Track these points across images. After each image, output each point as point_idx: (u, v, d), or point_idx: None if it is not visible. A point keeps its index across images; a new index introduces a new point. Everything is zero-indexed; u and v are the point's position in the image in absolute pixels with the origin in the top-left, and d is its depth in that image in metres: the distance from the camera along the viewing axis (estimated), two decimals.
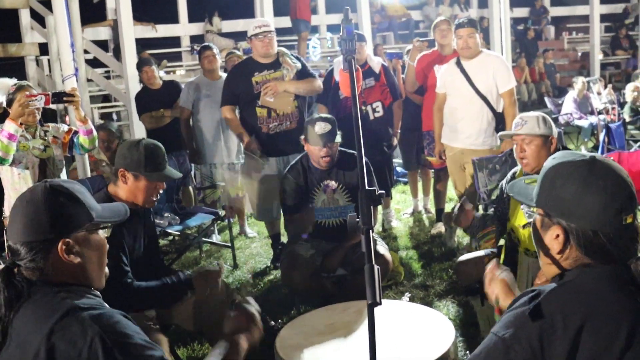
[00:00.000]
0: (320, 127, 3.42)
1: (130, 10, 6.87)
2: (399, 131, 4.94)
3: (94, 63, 8.62)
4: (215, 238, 5.23)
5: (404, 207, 5.88)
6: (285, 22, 9.92)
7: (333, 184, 3.54)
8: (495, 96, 4.21)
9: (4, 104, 3.51)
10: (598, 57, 12.62)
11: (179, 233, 4.62)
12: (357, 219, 1.27)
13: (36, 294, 1.37)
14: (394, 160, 5.41)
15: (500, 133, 3.14)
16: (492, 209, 3.05)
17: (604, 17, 13.69)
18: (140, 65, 5.40)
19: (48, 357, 1.28)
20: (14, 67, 7.76)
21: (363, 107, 4.64)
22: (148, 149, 2.50)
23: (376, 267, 1.16)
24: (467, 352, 2.92)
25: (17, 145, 3.29)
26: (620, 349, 1.20)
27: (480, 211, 4.30)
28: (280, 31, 7.60)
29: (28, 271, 1.39)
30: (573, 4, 14.80)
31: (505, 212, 2.83)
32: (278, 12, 8.92)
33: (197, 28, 11.42)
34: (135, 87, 6.14)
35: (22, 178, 3.39)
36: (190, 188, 5.33)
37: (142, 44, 9.27)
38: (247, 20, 7.77)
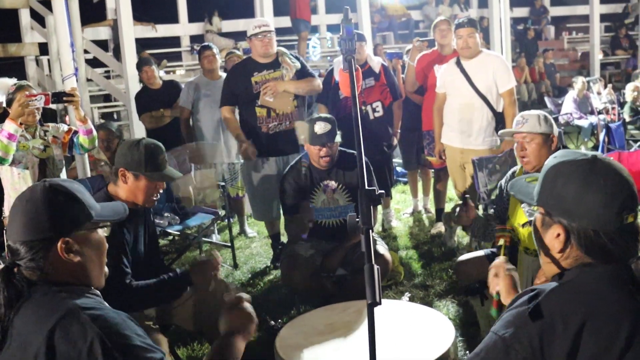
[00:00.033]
0: (320, 127, 3.42)
1: (130, 10, 6.87)
2: (399, 131, 4.94)
3: (94, 63, 8.62)
4: (215, 238, 5.23)
5: (403, 207, 5.88)
6: (285, 21, 9.92)
7: (333, 184, 3.54)
8: (495, 96, 4.21)
9: (4, 104, 3.51)
10: (598, 56, 12.62)
11: (178, 233, 4.62)
12: (357, 219, 1.27)
13: (36, 293, 1.37)
14: (393, 160, 5.41)
15: (501, 131, 3.14)
16: (492, 209, 3.05)
17: (603, 17, 13.69)
18: (140, 65, 5.40)
19: (48, 357, 1.28)
20: (14, 67, 7.76)
21: (363, 107, 4.63)
22: (148, 149, 2.50)
23: (376, 267, 1.16)
24: (467, 351, 2.92)
25: (17, 145, 3.29)
26: (620, 349, 1.20)
27: (481, 210, 4.30)
28: (280, 31, 7.60)
29: (28, 271, 1.39)
30: (573, 4, 14.80)
31: (504, 211, 2.83)
32: (278, 11, 8.92)
33: (197, 28, 11.42)
34: (135, 87, 6.14)
35: (22, 178, 3.39)
36: (190, 188, 5.33)
37: (142, 44, 9.28)
38: (247, 20, 7.77)
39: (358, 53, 4.58)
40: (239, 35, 9.80)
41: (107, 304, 1.44)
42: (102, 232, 1.50)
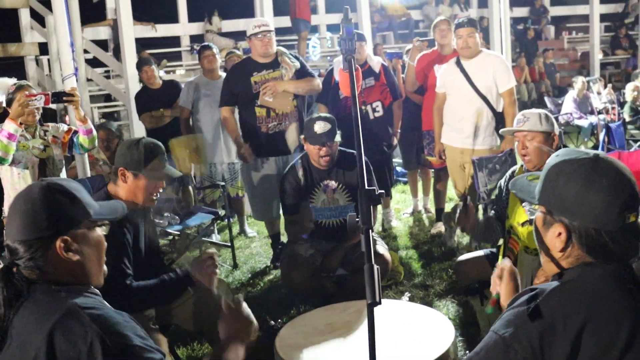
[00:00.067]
0: (320, 126, 3.41)
1: (130, 10, 6.87)
2: (399, 131, 4.94)
3: (94, 63, 8.62)
4: (215, 238, 5.23)
5: (403, 207, 5.88)
6: (285, 21, 9.92)
7: (333, 183, 3.54)
8: (495, 96, 4.21)
9: (4, 104, 3.51)
10: (598, 56, 12.63)
11: (178, 233, 4.62)
12: (357, 219, 1.27)
13: (36, 293, 1.37)
14: (393, 159, 5.41)
15: (503, 129, 3.14)
16: (493, 209, 3.05)
17: (603, 17, 13.69)
18: (140, 65, 5.40)
19: (48, 357, 1.28)
20: (14, 67, 7.76)
21: (363, 107, 4.63)
22: (148, 148, 2.50)
23: (376, 266, 1.16)
24: (467, 351, 2.92)
25: (17, 144, 3.29)
26: (621, 349, 1.20)
27: (481, 210, 4.31)
28: (280, 31, 7.61)
29: (27, 270, 1.39)
30: (573, 4, 14.80)
31: (503, 210, 2.82)
32: (278, 11, 8.93)
33: (196, 28, 11.42)
34: (135, 86, 6.14)
35: (22, 178, 3.39)
36: (190, 188, 5.33)
37: (142, 44, 9.28)
38: (247, 19, 7.77)
39: (358, 53, 4.58)
40: (239, 35, 9.80)
41: (107, 304, 1.44)
42: (101, 231, 1.50)
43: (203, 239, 4.90)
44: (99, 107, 9.29)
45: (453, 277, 3.84)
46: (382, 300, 1.15)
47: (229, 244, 4.69)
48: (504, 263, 1.95)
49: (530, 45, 12.88)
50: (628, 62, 13.31)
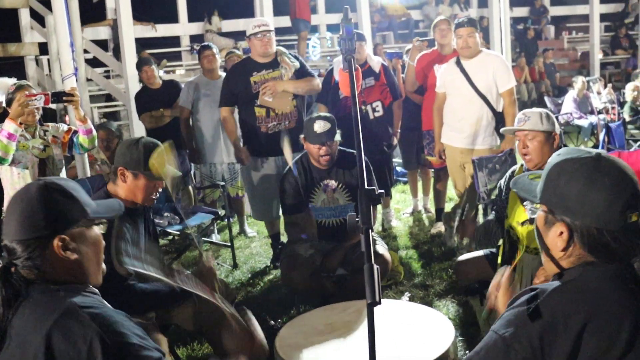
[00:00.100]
0: (320, 126, 3.41)
1: (130, 9, 6.87)
2: (399, 131, 4.94)
3: (94, 63, 8.62)
4: (215, 237, 5.23)
5: (403, 207, 5.88)
6: (285, 21, 9.93)
7: (333, 183, 3.54)
8: (495, 95, 4.21)
9: (4, 104, 3.51)
10: (598, 56, 12.63)
11: (178, 233, 4.62)
12: (357, 219, 1.27)
13: (34, 292, 1.37)
14: (393, 159, 5.41)
15: (503, 128, 3.14)
16: (493, 210, 3.04)
17: (603, 17, 13.69)
18: (139, 65, 5.40)
19: (48, 357, 1.28)
20: (14, 67, 7.77)
21: (363, 107, 4.63)
22: (147, 148, 2.51)
23: (376, 266, 1.16)
24: (467, 351, 2.92)
25: (17, 144, 3.29)
26: (622, 349, 1.19)
27: (481, 211, 4.30)
28: (280, 31, 7.61)
29: (25, 270, 1.39)
30: (573, 4, 14.80)
31: (503, 210, 2.82)
32: (278, 11, 8.93)
33: (196, 27, 11.42)
34: (135, 86, 6.14)
35: (22, 177, 3.39)
36: (190, 188, 5.33)
37: (142, 44, 9.28)
38: (247, 19, 7.78)
39: (358, 53, 4.58)
40: (239, 35, 9.80)
41: (106, 303, 1.44)
42: (99, 230, 1.50)
43: (203, 238, 4.91)
44: (98, 107, 9.28)
45: (453, 277, 3.84)
46: (382, 300, 1.15)
47: (229, 244, 4.69)
48: (501, 275, 1.93)
49: (530, 45, 12.88)
50: (628, 62, 13.31)
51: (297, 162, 3.62)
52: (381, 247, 3.52)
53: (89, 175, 4.69)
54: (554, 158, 1.37)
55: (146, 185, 2.50)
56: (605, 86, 10.02)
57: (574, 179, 1.29)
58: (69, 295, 1.36)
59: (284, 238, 4.47)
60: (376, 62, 4.77)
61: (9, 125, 3.22)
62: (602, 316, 1.22)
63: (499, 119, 4.23)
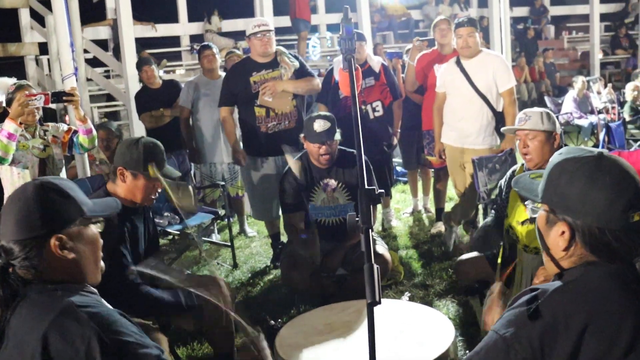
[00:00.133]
0: (320, 125, 3.41)
1: (130, 9, 6.87)
2: (399, 130, 4.94)
3: (94, 62, 8.62)
4: (215, 237, 5.23)
5: (403, 207, 5.88)
6: (285, 21, 9.92)
7: (333, 182, 3.53)
8: (495, 95, 4.21)
9: (4, 104, 3.51)
10: (598, 56, 12.62)
11: (178, 232, 4.62)
12: (357, 218, 1.27)
13: (31, 292, 1.37)
14: (393, 159, 5.40)
15: (504, 128, 3.14)
16: (493, 209, 3.04)
17: (603, 17, 13.69)
18: (139, 65, 5.40)
19: (45, 356, 1.28)
20: (14, 67, 7.76)
21: (363, 107, 4.63)
22: (147, 148, 2.50)
23: (376, 266, 1.16)
24: (467, 351, 2.92)
25: (17, 144, 3.29)
26: (623, 350, 1.19)
27: (481, 210, 4.30)
28: (280, 30, 7.60)
29: (22, 270, 1.39)
30: (573, 3, 14.80)
31: (503, 210, 2.82)
32: (278, 11, 8.92)
33: (196, 27, 11.42)
34: (135, 86, 6.13)
35: (22, 177, 3.39)
36: (190, 187, 5.32)
37: (142, 44, 9.27)
38: (247, 19, 7.78)
39: (358, 52, 4.58)
40: (239, 35, 9.79)
41: (104, 302, 1.44)
42: (96, 228, 1.50)
43: (203, 238, 4.91)
44: (99, 107, 9.28)
45: (453, 277, 3.84)
46: (382, 300, 1.15)
47: (229, 244, 4.69)
48: (494, 290, 1.91)
49: (530, 45, 12.87)
50: (628, 62, 13.31)
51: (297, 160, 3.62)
52: (381, 247, 3.52)
53: (89, 175, 4.69)
54: (556, 157, 1.36)
55: (145, 186, 2.50)
56: (605, 86, 10.02)
57: (575, 178, 1.29)
58: (66, 294, 1.36)
59: (284, 238, 4.47)
60: (376, 62, 4.76)
61: (9, 125, 3.22)
62: (603, 316, 1.21)
63: (499, 119, 4.22)
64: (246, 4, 9.70)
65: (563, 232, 1.31)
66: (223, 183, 4.86)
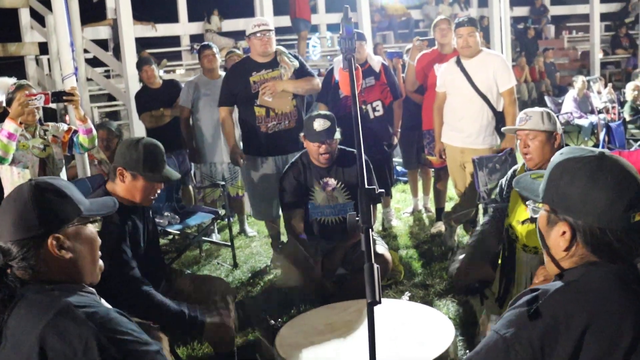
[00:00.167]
0: (320, 124, 3.41)
1: (130, 9, 6.87)
2: (399, 130, 4.94)
3: (94, 62, 8.62)
4: (215, 237, 5.23)
5: (404, 206, 5.88)
6: (285, 21, 9.92)
7: (332, 181, 3.53)
8: (496, 95, 4.21)
9: (4, 103, 3.51)
10: (598, 56, 12.62)
11: (178, 232, 4.62)
12: (357, 218, 1.26)
13: (29, 293, 1.37)
14: (394, 159, 5.40)
15: (504, 128, 3.13)
16: (492, 208, 3.04)
17: (604, 16, 13.69)
18: (140, 65, 5.39)
19: (43, 356, 1.28)
20: (14, 67, 7.76)
21: (363, 106, 4.63)
22: (147, 149, 2.50)
23: (376, 265, 1.16)
24: (467, 351, 2.92)
25: (17, 144, 3.29)
26: (624, 351, 1.19)
27: (481, 210, 4.30)
28: (280, 30, 7.60)
29: (20, 270, 1.39)
30: (573, 3, 14.80)
31: (504, 209, 2.82)
32: (278, 11, 8.92)
33: (196, 27, 11.43)
34: (135, 86, 6.13)
35: (22, 177, 3.39)
36: (190, 187, 5.33)
37: (142, 43, 9.27)
38: (247, 19, 7.78)
39: (358, 52, 4.58)
40: (239, 35, 9.79)
41: (103, 301, 1.44)
42: (94, 228, 1.50)
43: (203, 238, 4.91)
44: (99, 107, 9.29)
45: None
46: (382, 299, 1.15)
47: (229, 244, 4.69)
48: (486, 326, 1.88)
49: (531, 45, 12.87)
50: (628, 62, 13.31)
51: (297, 160, 3.62)
52: (381, 247, 3.51)
53: (89, 174, 4.70)
54: (557, 157, 1.36)
55: (144, 187, 2.49)
56: (606, 86, 10.02)
57: (576, 178, 1.28)
58: (63, 294, 1.36)
59: (284, 237, 4.47)
60: (376, 62, 4.76)
61: (9, 125, 3.22)
62: (604, 317, 1.21)
63: (499, 119, 4.22)
64: (246, 4, 9.71)
65: (564, 233, 1.30)
66: (223, 183, 4.86)
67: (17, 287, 1.37)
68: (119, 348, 1.30)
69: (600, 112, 8.85)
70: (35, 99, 3.28)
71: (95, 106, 8.89)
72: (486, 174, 4.02)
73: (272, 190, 4.07)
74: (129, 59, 6.68)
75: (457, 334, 2.34)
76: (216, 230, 5.32)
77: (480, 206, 4.22)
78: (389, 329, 2.27)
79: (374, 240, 3.42)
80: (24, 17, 7.33)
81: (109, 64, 8.64)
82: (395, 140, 4.91)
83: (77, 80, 4.41)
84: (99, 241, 1.51)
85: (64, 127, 3.64)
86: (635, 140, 7.64)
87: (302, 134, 3.56)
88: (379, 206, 5.15)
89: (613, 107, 8.91)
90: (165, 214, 4.49)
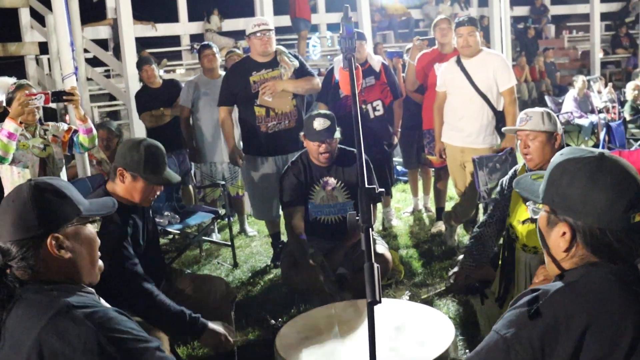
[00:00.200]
0: (319, 123, 3.41)
1: (130, 9, 6.87)
2: (399, 130, 4.94)
3: (94, 62, 8.62)
4: (215, 237, 5.23)
5: (404, 206, 5.88)
6: (285, 20, 9.92)
7: (332, 181, 3.53)
8: (496, 94, 4.21)
9: (4, 103, 3.51)
10: (598, 55, 12.61)
11: (179, 232, 4.62)
12: (357, 217, 1.26)
13: (28, 293, 1.37)
14: (394, 158, 5.40)
15: (505, 128, 3.13)
16: (491, 209, 3.04)
17: (604, 16, 13.69)
18: (140, 64, 5.39)
19: (41, 357, 1.28)
20: (14, 66, 7.76)
21: (363, 106, 4.63)
22: (149, 151, 2.49)
23: (376, 265, 1.16)
24: (467, 350, 2.92)
25: (17, 144, 3.29)
26: (624, 352, 1.18)
27: (481, 209, 4.30)
28: (280, 30, 7.61)
29: (20, 271, 1.39)
30: (573, 3, 14.80)
31: (505, 209, 2.82)
32: (278, 10, 8.93)
33: (196, 27, 11.42)
34: (135, 86, 6.13)
35: (22, 177, 3.39)
36: (190, 187, 5.33)
37: (142, 43, 9.27)
38: (247, 19, 7.78)
39: (358, 52, 4.58)
40: (239, 34, 9.79)
41: (102, 301, 1.44)
42: (93, 228, 1.50)
43: (203, 237, 4.91)
44: (99, 107, 9.29)
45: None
46: (382, 299, 1.15)
47: (229, 243, 4.69)
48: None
49: (531, 44, 12.87)
50: (628, 61, 13.31)
51: (297, 159, 3.62)
52: (381, 247, 3.51)
53: (89, 174, 4.69)
54: (557, 158, 1.35)
55: (144, 188, 2.49)
56: (606, 85, 10.01)
57: (576, 178, 1.28)
58: (62, 294, 1.36)
59: (284, 237, 4.47)
60: (376, 61, 4.76)
61: (9, 125, 3.21)
62: (605, 317, 1.20)
63: (499, 118, 4.22)
64: (246, 4, 9.70)
65: (564, 233, 1.30)
66: (223, 182, 4.86)
67: (16, 287, 1.37)
68: (118, 347, 1.30)
69: (600, 111, 8.85)
70: (35, 98, 3.28)
71: (95, 106, 8.90)
72: (486, 174, 4.02)
73: (272, 190, 4.07)
74: (129, 59, 6.68)
75: (457, 334, 2.34)
76: (216, 230, 5.33)
77: (481, 205, 4.22)
78: (390, 328, 2.27)
79: (374, 240, 3.41)
80: (24, 16, 7.33)
81: (109, 63, 8.64)
82: (396, 140, 4.91)
83: (77, 80, 4.41)
84: (98, 241, 1.51)
85: (64, 126, 3.64)
86: (636, 140, 7.64)
87: (302, 134, 3.56)
88: (379, 206, 5.15)
89: (613, 107, 8.90)
90: (166, 213, 4.49)
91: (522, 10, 14.18)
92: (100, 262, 1.52)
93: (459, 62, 4.25)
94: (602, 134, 6.87)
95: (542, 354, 1.22)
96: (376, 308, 1.14)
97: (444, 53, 4.73)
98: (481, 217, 4.20)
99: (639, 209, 1.26)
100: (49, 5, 5.21)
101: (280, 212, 4.18)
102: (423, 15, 13.14)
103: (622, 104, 8.67)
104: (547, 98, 10.32)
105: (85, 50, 7.73)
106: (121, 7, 6.75)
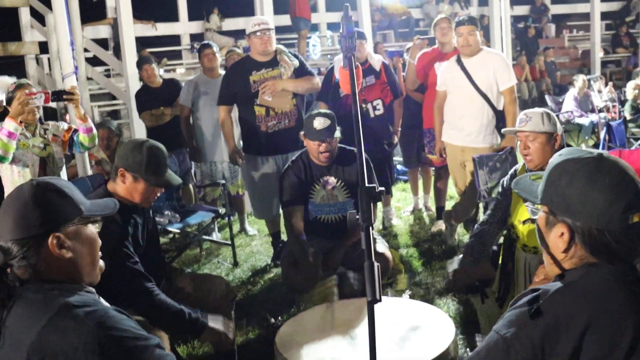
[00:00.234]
0: (320, 122, 3.41)
1: (130, 8, 6.87)
2: (400, 129, 4.94)
3: (94, 61, 8.62)
4: (216, 236, 5.23)
5: (404, 205, 5.88)
6: (285, 20, 9.92)
7: (332, 180, 3.53)
8: (496, 94, 4.21)
9: (4, 103, 3.51)
10: (599, 54, 12.61)
11: (179, 231, 4.62)
12: (357, 216, 1.26)
13: (28, 292, 1.37)
14: (394, 158, 5.40)
15: (505, 129, 3.13)
16: (494, 200, 3.03)
17: (604, 15, 13.68)
18: (140, 64, 5.39)
19: (41, 355, 1.28)
20: (14, 66, 7.76)
21: (363, 105, 4.63)
22: (151, 153, 2.49)
23: (376, 264, 1.16)
24: (468, 349, 2.92)
25: (17, 143, 3.29)
26: (624, 352, 1.19)
27: (481, 209, 4.30)
28: (280, 29, 7.60)
29: (20, 270, 1.39)
30: (574, 2, 14.79)
31: (506, 208, 2.82)
32: (278, 10, 8.92)
33: (197, 26, 11.43)
34: (135, 85, 6.13)
35: (22, 176, 3.39)
36: (191, 186, 5.33)
37: (142, 42, 9.28)
38: (247, 18, 7.77)
39: (358, 51, 4.58)
40: (239, 34, 9.80)
41: (102, 300, 1.44)
42: (94, 228, 1.50)
43: (203, 237, 4.91)
44: (99, 106, 9.29)
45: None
46: (382, 298, 1.15)
47: (230, 242, 4.69)
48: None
49: (531, 44, 12.87)
50: (629, 60, 13.30)
51: (297, 158, 3.62)
52: (382, 246, 3.51)
53: (89, 173, 4.69)
54: (555, 158, 1.36)
55: (145, 190, 2.49)
56: (606, 84, 10.01)
57: (575, 179, 1.28)
58: (63, 294, 1.36)
59: (284, 236, 4.47)
60: (377, 61, 4.76)
61: (9, 124, 3.22)
62: (604, 318, 1.21)
63: (500, 117, 4.22)
64: (246, 3, 9.70)
65: (562, 234, 1.31)
66: (223, 182, 4.86)
67: (17, 286, 1.37)
68: (118, 345, 1.30)
69: (600, 110, 8.84)
70: (36, 97, 3.28)
71: (95, 105, 8.90)
72: (486, 173, 4.02)
73: (272, 189, 4.07)
74: (129, 58, 6.68)
75: (457, 333, 2.34)
76: (216, 229, 5.33)
77: (481, 204, 4.22)
78: (390, 327, 2.27)
79: (374, 239, 3.42)
80: (24, 16, 7.33)
81: (109, 63, 8.64)
82: (396, 139, 4.91)
83: (77, 79, 4.41)
84: (99, 242, 1.51)
85: (64, 126, 3.64)
86: (636, 139, 7.64)
87: (302, 133, 3.56)
88: (379, 205, 5.15)
89: (614, 106, 8.90)
90: (166, 212, 4.49)
91: (523, 10, 14.18)
92: (101, 262, 1.52)
93: (459, 62, 4.25)
94: (602, 133, 6.87)
95: (542, 353, 1.22)
96: (376, 307, 1.14)
97: (444, 52, 4.73)
98: (481, 216, 4.21)
99: (637, 209, 1.26)
100: (49, 5, 5.21)
101: (280, 212, 4.18)
102: (423, 15, 13.14)
103: (622, 103, 8.66)
104: (547, 97, 10.32)
105: (85, 50, 7.73)
106: (121, 6, 6.75)
